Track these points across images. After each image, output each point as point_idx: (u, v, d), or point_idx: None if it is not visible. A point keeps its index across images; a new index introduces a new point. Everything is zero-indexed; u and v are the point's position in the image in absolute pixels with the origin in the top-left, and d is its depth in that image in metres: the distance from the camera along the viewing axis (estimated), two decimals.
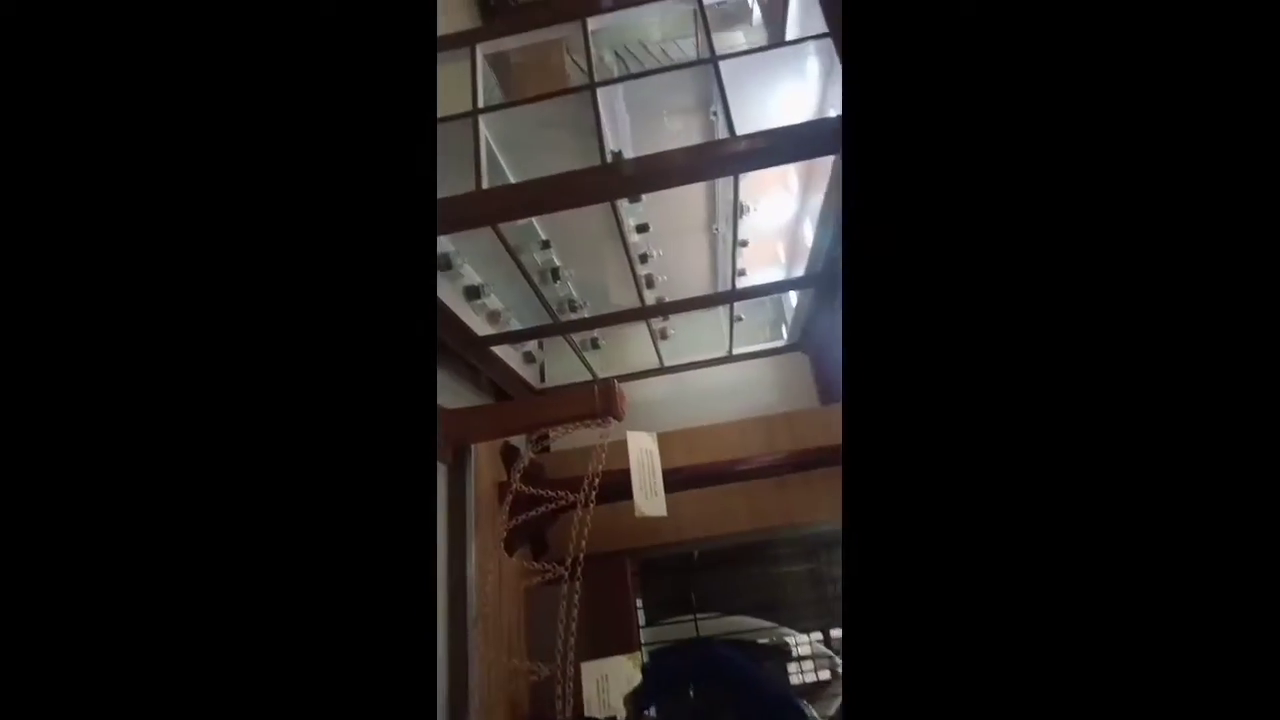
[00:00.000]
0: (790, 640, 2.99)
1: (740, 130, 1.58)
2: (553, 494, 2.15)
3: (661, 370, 2.84)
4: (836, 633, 2.88)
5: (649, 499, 2.23)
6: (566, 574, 2.05)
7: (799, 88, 1.90)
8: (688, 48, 3.20)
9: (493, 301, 2.21)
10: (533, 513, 2.19)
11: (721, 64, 1.69)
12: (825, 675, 2.82)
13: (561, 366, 2.85)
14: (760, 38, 2.70)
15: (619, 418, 2.15)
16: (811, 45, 1.80)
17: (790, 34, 2.01)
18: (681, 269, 2.44)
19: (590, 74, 1.67)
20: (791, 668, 2.95)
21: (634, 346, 2.82)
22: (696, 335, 2.84)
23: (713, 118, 1.90)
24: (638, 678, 2.16)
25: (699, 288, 2.51)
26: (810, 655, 2.91)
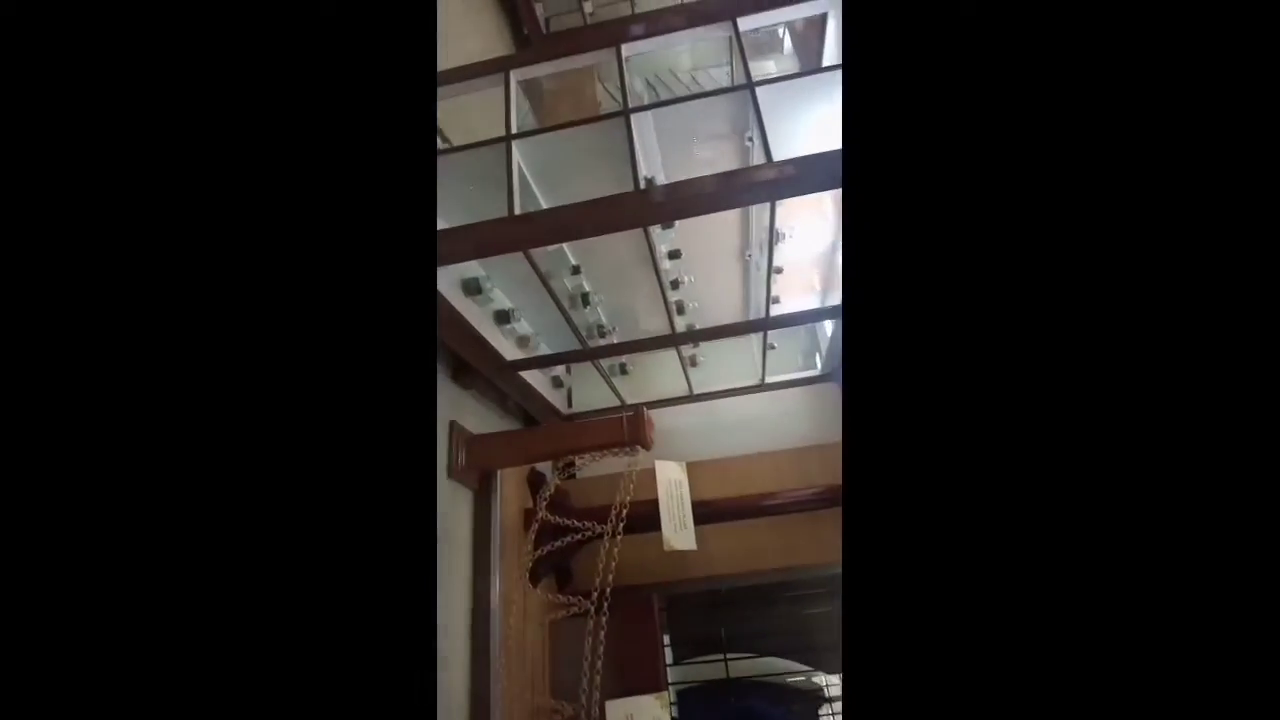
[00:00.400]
0: (822, 682, 2.86)
1: (777, 152, 1.55)
2: (579, 524, 2.10)
3: (691, 398, 2.79)
4: None
5: (678, 532, 2.16)
6: (592, 608, 1.99)
7: (836, 114, 1.87)
8: (719, 76, 3.21)
9: (523, 326, 2.20)
10: (558, 543, 2.14)
11: (757, 90, 1.66)
12: None
13: (589, 391, 2.82)
14: (792, 66, 2.69)
15: (647, 447, 2.10)
16: None
17: (828, 60, 1.98)
18: (713, 295, 2.40)
19: (624, 100, 1.66)
20: (823, 710, 2.81)
21: (663, 373, 2.78)
22: (727, 363, 2.79)
23: (748, 144, 1.87)
24: (665, 719, 2.07)
25: (731, 315, 2.46)
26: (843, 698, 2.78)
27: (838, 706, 2.79)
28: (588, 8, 3.16)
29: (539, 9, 3.15)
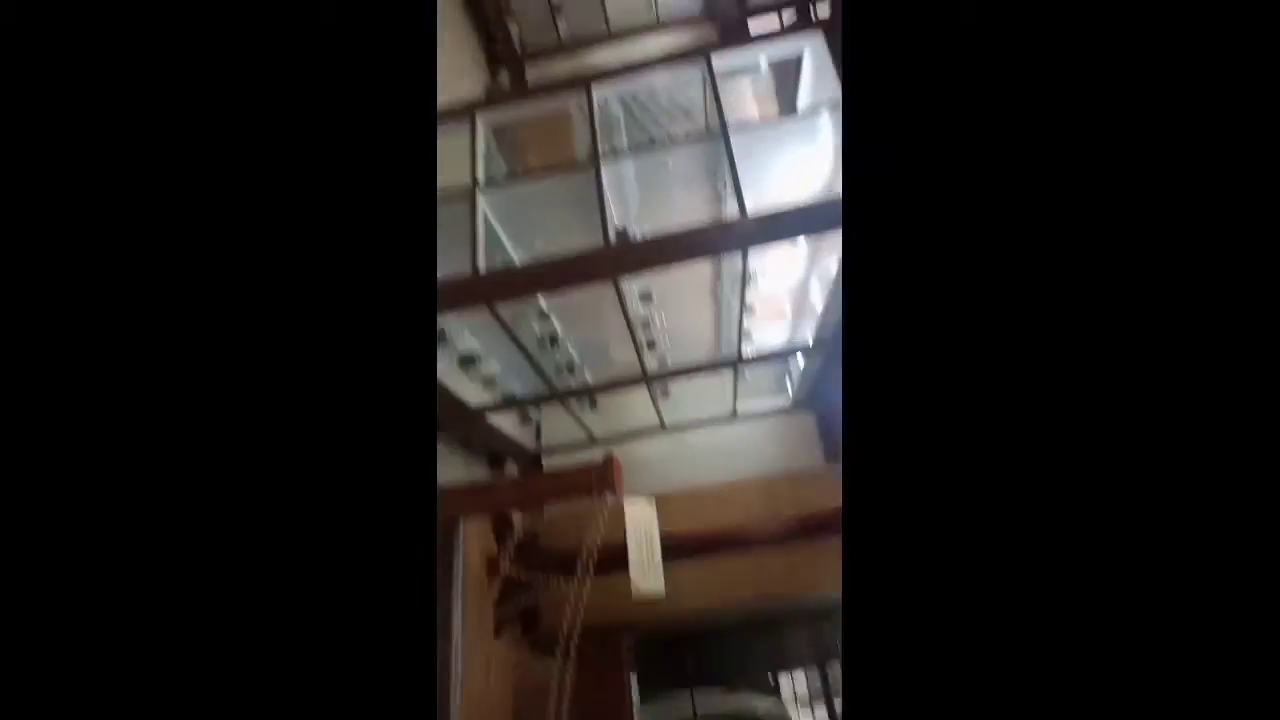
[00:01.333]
0: (792, 715, 2.85)
1: (751, 200, 1.49)
2: (545, 577, 2.02)
3: (661, 430, 2.72)
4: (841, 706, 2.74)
5: (646, 576, 2.10)
6: (558, 664, 1.92)
7: (812, 156, 1.82)
8: (697, 96, 3.13)
9: (489, 366, 2.11)
10: (523, 599, 2.06)
11: (731, 131, 1.59)
12: None
13: (558, 426, 2.74)
14: (767, 88, 2.63)
15: (616, 494, 2.03)
16: (826, 110, 1.72)
17: (803, 99, 1.93)
18: (684, 330, 2.33)
19: (595, 150, 1.58)
20: None
21: (633, 405, 2.71)
22: (698, 394, 2.73)
23: (722, 188, 1.81)
24: None
25: (702, 349, 2.40)
26: None
27: None
28: (562, 25, 3.04)
29: (514, 29, 3.02)
